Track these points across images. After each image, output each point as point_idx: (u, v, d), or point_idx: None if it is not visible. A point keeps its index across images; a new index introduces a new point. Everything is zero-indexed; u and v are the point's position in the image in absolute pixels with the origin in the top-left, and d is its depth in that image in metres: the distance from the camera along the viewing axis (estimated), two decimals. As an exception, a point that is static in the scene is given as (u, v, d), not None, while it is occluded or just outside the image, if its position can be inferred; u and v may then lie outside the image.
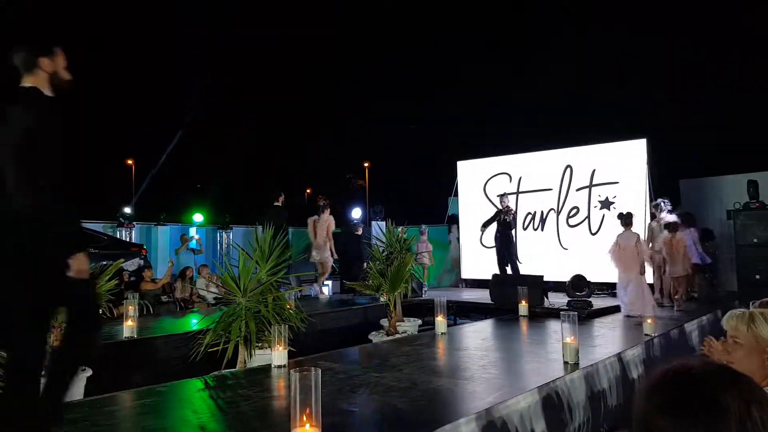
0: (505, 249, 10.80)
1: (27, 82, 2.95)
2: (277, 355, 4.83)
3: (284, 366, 4.83)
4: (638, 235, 8.37)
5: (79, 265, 2.77)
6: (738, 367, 2.25)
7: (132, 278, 9.24)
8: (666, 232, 9.06)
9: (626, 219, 8.34)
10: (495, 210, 11.21)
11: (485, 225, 11.08)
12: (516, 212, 11.18)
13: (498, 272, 10.50)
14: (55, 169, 2.72)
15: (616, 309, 8.78)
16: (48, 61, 2.99)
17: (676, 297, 8.93)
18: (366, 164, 40.72)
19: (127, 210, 13.61)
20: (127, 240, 12.05)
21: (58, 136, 2.75)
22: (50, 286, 2.75)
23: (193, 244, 11.42)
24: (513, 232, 11.01)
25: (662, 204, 9.58)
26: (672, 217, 9.36)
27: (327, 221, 10.81)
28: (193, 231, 14.48)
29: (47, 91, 2.97)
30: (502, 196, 11.21)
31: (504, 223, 10.77)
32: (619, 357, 5.46)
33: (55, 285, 2.76)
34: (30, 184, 2.62)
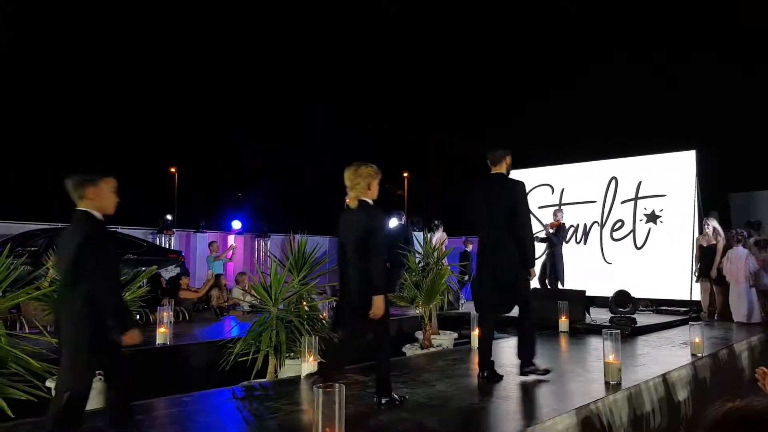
0: (551, 266, 10.44)
1: (495, 170, 5.12)
2: (307, 366, 4.74)
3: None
4: (748, 251, 9.26)
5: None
6: None
7: (167, 285, 9.33)
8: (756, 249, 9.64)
9: (738, 237, 9.46)
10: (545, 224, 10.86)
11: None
12: (561, 228, 10.74)
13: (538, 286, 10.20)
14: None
15: (661, 326, 8.43)
16: (509, 159, 5.17)
17: None
18: (405, 174, 40.69)
19: (169, 217, 13.82)
20: (167, 246, 12.23)
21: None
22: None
23: (219, 266, 11.40)
24: (559, 248, 10.58)
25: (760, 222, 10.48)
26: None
27: (441, 238, 11.26)
28: (231, 239, 14.63)
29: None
30: (556, 210, 10.88)
31: (547, 239, 10.46)
32: (665, 378, 5.18)
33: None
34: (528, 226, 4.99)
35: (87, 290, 2.96)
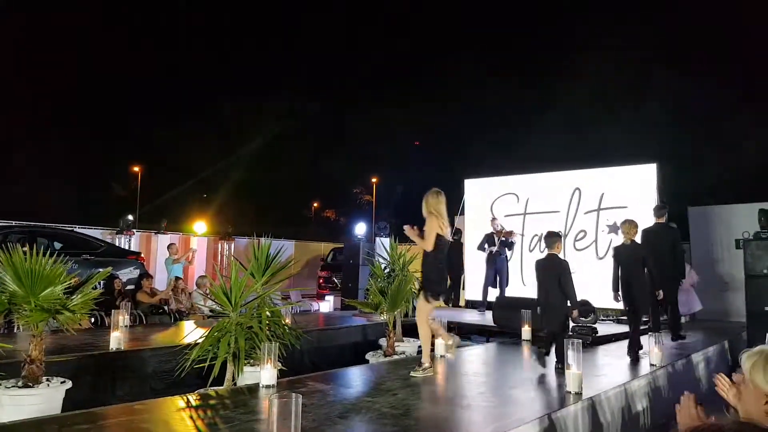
0: (503, 271, 11.09)
1: (659, 220, 8.35)
2: (266, 374, 4.61)
3: (273, 386, 4.62)
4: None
5: None
6: (742, 409, 2.06)
7: (127, 287, 9.05)
8: None
9: None
10: (490, 232, 11.32)
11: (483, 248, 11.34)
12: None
13: (501, 294, 10.32)
14: None
15: (622, 336, 8.52)
16: (666, 213, 8.62)
17: None
18: (374, 179, 40.70)
19: (130, 217, 13.46)
20: (126, 248, 11.89)
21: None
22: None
23: (178, 269, 11.07)
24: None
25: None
26: None
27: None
28: (194, 242, 14.33)
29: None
30: (493, 220, 11.39)
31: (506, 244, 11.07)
32: (624, 388, 5.22)
33: None
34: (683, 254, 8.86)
35: (564, 288, 6.05)
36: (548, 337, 6.33)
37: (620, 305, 8.06)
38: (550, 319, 6.28)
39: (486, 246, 11.21)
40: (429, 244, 5.52)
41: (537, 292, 6.50)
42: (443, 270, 5.77)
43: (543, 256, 6.53)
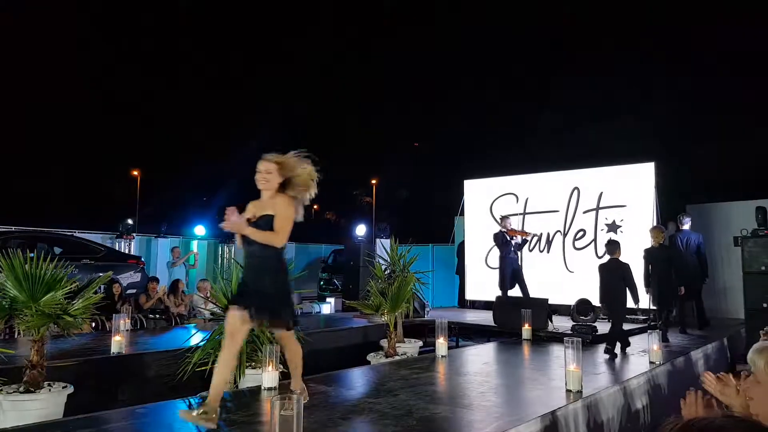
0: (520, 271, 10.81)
1: (683, 227, 9.62)
2: (268, 376, 4.64)
3: (275, 388, 4.65)
4: None
5: None
6: (756, 406, 2.03)
7: (128, 291, 9.06)
8: None
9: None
10: (501, 232, 11.00)
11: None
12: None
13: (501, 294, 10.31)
14: None
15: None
16: (689, 222, 9.90)
17: None
18: (373, 181, 40.70)
19: (129, 221, 13.47)
20: (126, 252, 11.90)
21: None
22: None
23: (191, 259, 11.10)
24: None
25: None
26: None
27: None
28: (194, 245, 14.34)
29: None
30: (504, 218, 11.07)
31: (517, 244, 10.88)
32: (624, 386, 5.25)
33: None
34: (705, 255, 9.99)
35: (628, 287, 6.86)
36: (612, 330, 7.16)
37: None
38: (616, 314, 7.15)
39: (506, 246, 10.72)
40: (283, 239, 3.74)
41: (600, 291, 7.29)
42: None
43: (605, 260, 7.36)
